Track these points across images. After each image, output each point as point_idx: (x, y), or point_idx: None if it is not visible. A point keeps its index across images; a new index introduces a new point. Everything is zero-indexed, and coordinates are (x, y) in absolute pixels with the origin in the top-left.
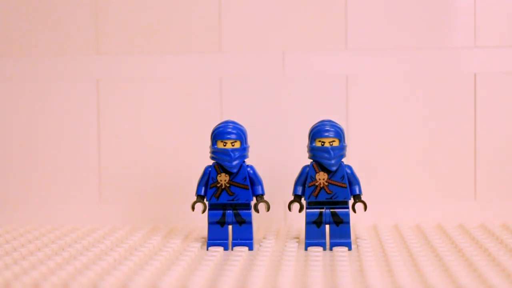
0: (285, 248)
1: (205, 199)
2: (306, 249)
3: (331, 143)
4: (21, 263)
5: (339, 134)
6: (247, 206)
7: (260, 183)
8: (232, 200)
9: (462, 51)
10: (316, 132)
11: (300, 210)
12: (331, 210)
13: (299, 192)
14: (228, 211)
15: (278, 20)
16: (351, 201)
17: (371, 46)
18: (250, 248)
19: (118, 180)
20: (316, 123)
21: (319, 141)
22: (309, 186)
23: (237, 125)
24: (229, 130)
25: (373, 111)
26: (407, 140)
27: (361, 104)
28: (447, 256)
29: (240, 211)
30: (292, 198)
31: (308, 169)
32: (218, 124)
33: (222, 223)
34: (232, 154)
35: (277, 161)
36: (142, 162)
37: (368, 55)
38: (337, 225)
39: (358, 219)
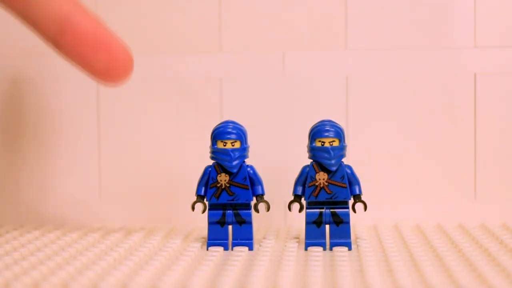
0: (285, 248)
1: (205, 199)
2: (306, 249)
3: (331, 143)
4: (21, 263)
5: (339, 134)
6: (247, 206)
7: (260, 183)
8: (232, 200)
9: (462, 51)
10: (316, 132)
11: (300, 210)
12: (331, 210)
13: (299, 192)
14: (228, 211)
15: (278, 20)
16: (351, 201)
17: (371, 46)
18: (250, 248)
19: (118, 180)
20: (316, 123)
21: (319, 141)
22: (309, 186)
23: (237, 125)
24: (229, 130)
25: (373, 111)
26: (407, 140)
27: (361, 104)
28: (447, 256)
29: (240, 211)
30: (292, 198)
31: (308, 169)
32: (218, 124)
33: (222, 223)
34: (232, 154)
35: (277, 161)
36: (142, 162)
37: (368, 55)
38: (337, 225)
39: (358, 219)
